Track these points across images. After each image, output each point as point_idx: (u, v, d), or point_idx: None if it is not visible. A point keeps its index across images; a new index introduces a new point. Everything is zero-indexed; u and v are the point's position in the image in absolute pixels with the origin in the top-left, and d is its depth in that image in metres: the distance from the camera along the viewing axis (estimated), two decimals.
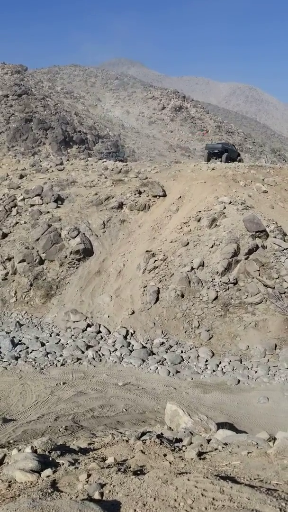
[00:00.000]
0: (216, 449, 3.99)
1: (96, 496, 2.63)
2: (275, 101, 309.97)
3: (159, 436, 4.72)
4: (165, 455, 3.56)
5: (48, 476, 3.00)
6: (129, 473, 2.97)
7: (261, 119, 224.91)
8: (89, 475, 2.97)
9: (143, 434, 4.46)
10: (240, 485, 2.58)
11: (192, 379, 13.20)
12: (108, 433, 8.02)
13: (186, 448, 4.06)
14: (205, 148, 34.07)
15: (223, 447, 4.05)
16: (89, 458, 3.55)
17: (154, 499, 2.52)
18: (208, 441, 4.65)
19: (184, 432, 6.05)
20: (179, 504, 2.40)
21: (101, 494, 2.68)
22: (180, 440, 4.96)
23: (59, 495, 2.57)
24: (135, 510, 2.43)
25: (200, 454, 3.66)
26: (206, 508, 2.31)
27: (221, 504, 2.33)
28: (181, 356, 14.44)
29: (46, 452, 3.64)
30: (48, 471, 3.06)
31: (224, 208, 20.45)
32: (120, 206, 21.94)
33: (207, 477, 2.68)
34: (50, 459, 3.44)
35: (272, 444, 4.96)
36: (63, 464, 3.30)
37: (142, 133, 71.61)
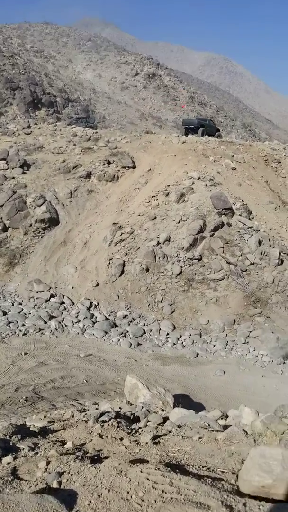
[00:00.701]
0: (170, 432, 4.18)
1: (55, 485, 2.75)
2: (248, 75, 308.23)
3: (118, 416, 4.88)
4: (121, 438, 3.72)
5: (8, 463, 3.09)
6: (86, 461, 3.10)
7: (234, 92, 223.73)
8: (48, 463, 3.08)
9: (101, 414, 4.61)
10: (188, 477, 2.74)
11: (153, 351, 13.55)
12: (68, 405, 8.21)
13: (142, 430, 4.23)
14: (182, 124, 34.04)
15: (176, 430, 4.24)
16: (48, 442, 3.66)
17: (109, 490, 2.66)
18: (164, 419, 4.86)
19: (142, 408, 6.26)
20: (131, 497, 2.54)
21: (59, 483, 2.79)
22: (137, 419, 5.16)
23: (19, 483, 2.67)
24: (90, 501, 2.56)
25: (154, 437, 3.83)
26: (155, 501, 2.47)
27: (170, 496, 2.49)
28: (143, 329, 14.73)
29: (7, 436, 3.72)
30: (8, 458, 3.15)
31: (193, 183, 20.52)
32: (88, 175, 21.61)
33: (158, 469, 2.84)
34: (11, 443, 3.53)
35: (224, 422, 5.24)
36: (23, 449, 3.40)
37: (114, 99, 69.95)
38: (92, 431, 3.88)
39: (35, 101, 46.68)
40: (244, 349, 14.27)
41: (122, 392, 9.02)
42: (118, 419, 4.48)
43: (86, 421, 4.38)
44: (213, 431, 4.12)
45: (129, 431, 4.10)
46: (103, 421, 4.35)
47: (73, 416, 4.90)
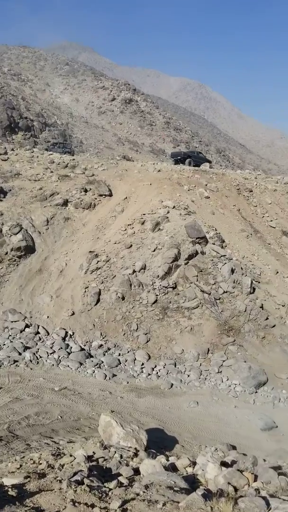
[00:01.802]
0: (138, 495, 4.34)
1: None
2: (223, 100, 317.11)
3: (90, 470, 5.00)
4: (93, 506, 3.87)
5: None
6: None
7: (209, 117, 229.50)
8: None
9: (75, 473, 4.71)
10: None
11: (127, 382, 13.62)
12: (43, 444, 8.23)
13: (112, 493, 4.37)
14: (170, 156, 37.72)
15: (144, 492, 4.39)
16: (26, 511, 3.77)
17: None
18: (136, 470, 5.00)
19: (115, 453, 6.38)
20: None
21: None
22: (110, 470, 5.29)
23: None
24: None
25: (123, 503, 4.01)
26: None
27: None
28: (118, 359, 14.82)
29: None
30: None
31: (168, 212, 20.98)
32: (65, 203, 21.84)
33: None
34: None
35: (192, 470, 5.41)
36: None
37: (91, 123, 70.91)
38: (66, 497, 4.02)
39: (12, 125, 46.95)
40: (218, 379, 14.50)
41: (97, 428, 9.07)
42: (91, 478, 4.63)
43: (60, 481, 4.50)
44: (177, 490, 4.30)
45: (100, 495, 4.25)
46: (77, 482, 4.49)
47: (48, 467, 5.00)
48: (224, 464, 5.59)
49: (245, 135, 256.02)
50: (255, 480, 4.90)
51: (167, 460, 6.28)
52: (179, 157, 35.47)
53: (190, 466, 5.85)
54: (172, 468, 5.84)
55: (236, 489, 4.20)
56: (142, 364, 14.81)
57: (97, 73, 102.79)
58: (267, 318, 17.52)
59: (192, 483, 4.79)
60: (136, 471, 5.26)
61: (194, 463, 5.96)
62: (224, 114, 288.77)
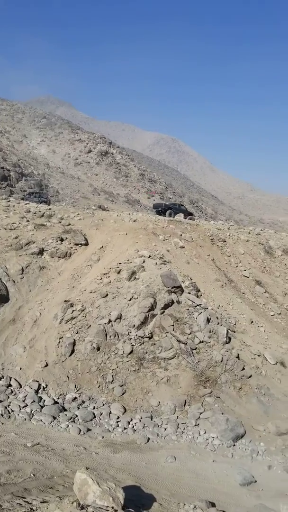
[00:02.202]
0: None
1: None
2: (195, 154, 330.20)
3: None
4: None
5: None
6: None
7: (182, 170, 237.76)
8: None
9: None
10: None
11: (103, 437, 13.14)
12: (15, 504, 7.79)
13: None
14: (153, 207, 40.66)
15: None
16: None
17: None
18: None
19: None
20: None
21: None
22: None
23: None
24: None
25: None
26: None
27: None
28: (93, 413, 14.35)
29: None
30: None
31: (144, 261, 21.20)
32: (41, 252, 21.82)
33: None
34: None
35: None
36: None
37: (67, 173, 72.24)
38: None
39: None
40: (195, 432, 14.18)
41: (71, 487, 8.66)
42: None
43: None
44: None
45: None
46: None
47: None
48: None
49: (217, 187, 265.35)
50: None
51: None
52: (160, 209, 38.06)
53: None
54: None
55: None
56: (118, 417, 14.39)
57: (74, 126, 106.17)
58: (243, 369, 17.48)
59: None
60: None
61: None
62: (196, 167, 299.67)
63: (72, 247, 22.75)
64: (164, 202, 47.28)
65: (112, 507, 7.27)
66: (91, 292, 19.60)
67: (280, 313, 23.35)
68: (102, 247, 22.91)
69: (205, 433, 14.18)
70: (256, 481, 12.16)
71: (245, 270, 25.83)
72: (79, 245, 22.96)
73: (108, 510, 6.29)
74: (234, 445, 13.94)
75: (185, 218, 35.24)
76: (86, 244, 23.26)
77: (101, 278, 20.32)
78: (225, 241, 27.75)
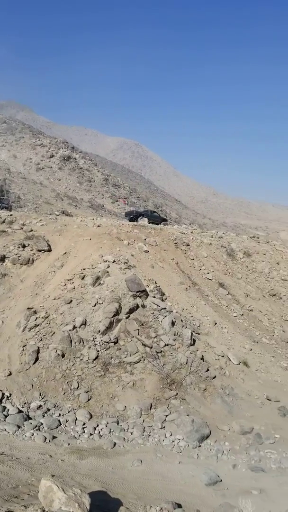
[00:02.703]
0: None
1: None
2: (158, 159, 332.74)
3: None
4: None
5: None
6: None
7: (146, 175, 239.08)
8: None
9: None
10: None
11: (68, 444, 13.02)
12: None
13: None
14: (125, 215, 41.34)
15: None
16: None
17: None
18: None
19: None
20: None
21: None
22: None
23: None
24: None
25: None
26: None
27: None
28: (59, 420, 14.20)
29: None
30: None
31: (108, 266, 21.20)
32: (2, 259, 21.45)
33: None
34: None
35: None
36: None
37: (29, 179, 71.22)
38: None
39: None
40: (161, 435, 14.27)
41: (37, 495, 8.56)
42: None
43: None
44: None
45: None
46: None
47: None
48: None
49: (180, 192, 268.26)
50: None
51: None
52: (132, 216, 38.69)
53: None
54: None
55: None
56: (84, 424, 14.30)
57: (35, 131, 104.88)
58: (207, 370, 17.77)
59: None
60: None
61: None
62: (160, 172, 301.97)
63: (34, 254, 22.48)
64: (136, 209, 48.21)
65: None
66: (55, 299, 19.42)
67: (242, 314, 23.89)
68: (65, 253, 22.76)
69: (171, 435, 14.30)
70: (221, 481, 12.36)
71: (208, 273, 26.28)
72: (42, 251, 22.71)
73: None
74: (200, 445, 14.13)
75: (158, 225, 35.84)
76: (49, 250, 23.04)
77: (65, 284, 20.18)
78: (189, 245, 28.15)
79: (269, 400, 17.57)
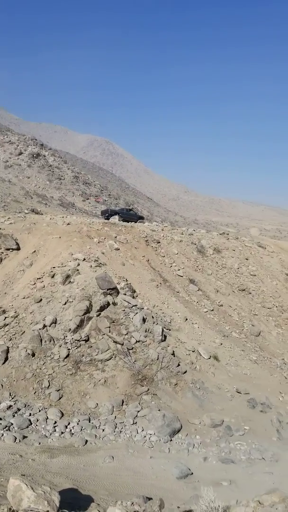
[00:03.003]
0: None
1: None
2: (129, 156, 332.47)
3: None
4: None
5: None
6: None
7: (117, 172, 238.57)
8: None
9: None
10: None
11: (39, 443, 12.93)
12: None
13: None
14: (101, 214, 41.33)
15: None
16: None
17: None
18: None
19: None
20: None
21: None
22: None
23: None
24: None
25: None
26: None
27: None
28: (29, 420, 14.05)
29: None
30: None
31: (78, 264, 21.10)
32: None
33: None
34: None
35: None
36: None
37: None
38: None
39: None
40: (133, 430, 14.35)
41: (6, 495, 8.48)
42: None
43: None
44: None
45: None
46: None
47: None
48: None
49: (152, 189, 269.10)
50: None
51: None
52: (107, 214, 38.87)
53: None
54: None
55: None
56: (55, 422, 14.21)
57: (2, 128, 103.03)
58: (178, 365, 17.96)
59: None
60: None
61: None
62: (131, 169, 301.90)
63: (3, 252, 22.15)
64: (110, 207, 48.58)
65: (47, 511, 7.23)
66: (24, 298, 19.21)
67: (212, 310, 24.23)
68: (34, 251, 22.51)
69: (142, 430, 14.40)
70: (192, 473, 12.55)
71: (179, 270, 26.50)
72: (10, 250, 22.40)
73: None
74: (171, 440, 14.28)
75: (135, 222, 36.20)
76: (18, 248, 22.74)
77: (35, 283, 19.97)
78: (159, 242, 28.30)
79: (238, 393, 17.93)
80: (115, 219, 36.40)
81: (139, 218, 41.23)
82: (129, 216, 39.90)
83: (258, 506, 6.21)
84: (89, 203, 75.44)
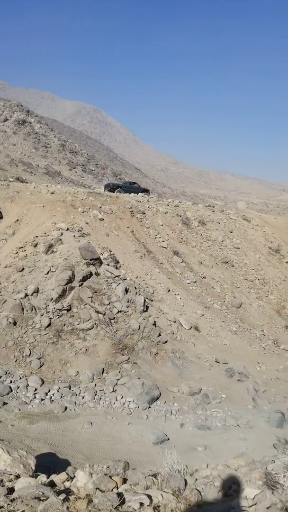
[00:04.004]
0: (2, 507, 4.36)
1: None
2: (118, 125, 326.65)
3: None
4: None
5: None
6: None
7: (105, 141, 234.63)
8: None
9: None
10: None
11: (19, 410, 13.13)
12: None
13: None
14: (104, 187, 40.25)
15: (8, 504, 4.43)
16: None
17: None
18: (10, 490, 4.96)
19: None
20: None
21: None
22: None
23: None
24: None
25: None
26: None
27: None
28: (10, 387, 14.22)
29: None
30: None
31: (62, 234, 20.97)
32: None
33: None
34: None
35: (69, 484, 5.49)
36: None
37: None
38: None
39: None
40: (112, 398, 14.64)
41: None
42: None
43: None
44: (43, 500, 4.40)
45: None
46: None
47: None
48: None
49: (140, 160, 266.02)
50: (123, 482, 5.15)
51: (48, 478, 6.26)
52: (109, 188, 38.43)
53: (68, 480, 5.91)
54: (50, 483, 5.86)
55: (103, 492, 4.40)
56: (35, 389, 14.41)
57: None
58: (159, 335, 18.22)
59: (67, 494, 4.86)
60: (12, 490, 5.20)
61: (72, 477, 6.02)
62: (119, 139, 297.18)
63: None
64: (112, 181, 48.30)
65: (16, 476, 7.38)
66: (6, 267, 19.12)
67: (195, 281, 24.45)
68: (17, 220, 22.27)
69: (122, 398, 14.69)
70: (168, 439, 12.92)
71: (163, 241, 26.53)
72: None
73: (12, 474, 6.41)
74: (150, 407, 14.63)
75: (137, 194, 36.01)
76: (1, 217, 22.48)
77: (17, 252, 19.85)
78: (145, 213, 28.19)
79: (217, 362, 18.34)
80: (120, 192, 36.10)
81: (143, 191, 40.99)
82: (132, 189, 39.67)
83: (224, 469, 6.46)
84: (76, 172, 74.45)
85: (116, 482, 4.99)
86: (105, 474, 5.22)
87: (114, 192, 36.45)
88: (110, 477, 5.12)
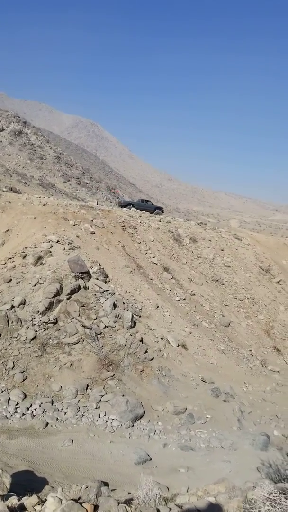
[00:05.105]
0: None
1: None
2: (114, 140, 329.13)
3: None
4: None
5: None
6: None
7: (101, 155, 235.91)
8: None
9: None
10: None
11: None
12: None
13: None
14: (118, 205, 41.63)
15: None
16: None
17: None
18: None
19: None
20: None
21: None
22: None
23: None
24: None
25: None
26: None
27: None
28: None
29: None
30: None
31: (51, 246, 20.83)
32: None
33: None
34: None
35: (40, 508, 5.29)
36: None
37: None
38: None
39: None
40: (95, 415, 14.35)
41: None
42: None
43: None
44: None
45: None
46: None
47: None
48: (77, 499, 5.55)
49: (135, 175, 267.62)
50: (95, 509, 4.95)
51: (19, 501, 6.03)
52: (120, 205, 39.98)
53: (38, 504, 5.69)
54: (20, 507, 5.63)
55: None
56: (17, 404, 14.08)
57: None
58: (146, 351, 18.00)
59: None
60: None
61: (44, 501, 5.81)
62: (115, 153, 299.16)
63: None
64: (123, 199, 50.62)
65: None
66: None
67: (185, 298, 24.34)
68: (7, 230, 22.12)
69: (105, 415, 14.41)
70: (151, 459, 12.65)
71: (154, 257, 26.47)
72: None
73: None
74: (133, 425, 14.35)
75: (151, 213, 36.66)
76: None
77: (5, 263, 19.65)
78: (136, 228, 28.17)
79: (204, 381, 18.14)
80: (93, 203, 36.15)
81: (156, 209, 41.44)
82: (145, 207, 40.24)
83: (204, 495, 6.27)
84: (70, 185, 74.55)
85: (86, 510, 4.79)
86: (77, 500, 5.01)
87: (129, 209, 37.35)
88: (81, 503, 4.92)
